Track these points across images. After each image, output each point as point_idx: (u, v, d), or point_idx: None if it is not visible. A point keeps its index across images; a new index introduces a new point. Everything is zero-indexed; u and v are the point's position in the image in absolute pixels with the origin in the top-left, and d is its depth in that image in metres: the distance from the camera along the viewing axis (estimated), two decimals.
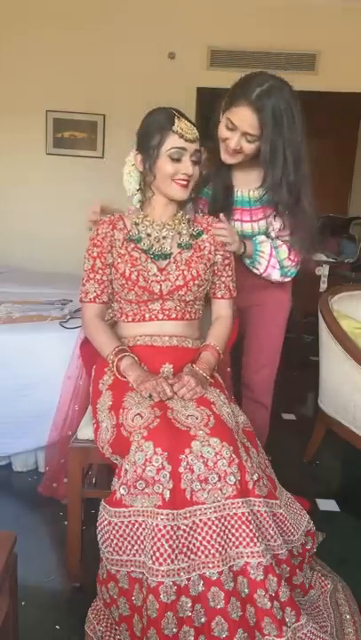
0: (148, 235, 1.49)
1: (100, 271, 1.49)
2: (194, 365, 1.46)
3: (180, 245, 1.50)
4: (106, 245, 1.49)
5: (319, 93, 4.22)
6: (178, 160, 1.41)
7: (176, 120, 1.40)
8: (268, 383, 1.92)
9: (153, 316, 1.50)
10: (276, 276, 1.68)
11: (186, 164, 1.42)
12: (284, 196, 1.53)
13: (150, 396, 1.32)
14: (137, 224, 1.50)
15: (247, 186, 1.64)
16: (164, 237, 1.50)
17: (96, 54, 4.10)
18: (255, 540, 1.18)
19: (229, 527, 1.19)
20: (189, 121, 1.43)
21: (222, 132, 1.52)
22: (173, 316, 1.50)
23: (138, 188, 1.52)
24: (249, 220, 1.66)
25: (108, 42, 4.09)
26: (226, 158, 1.56)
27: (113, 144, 4.11)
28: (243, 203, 1.66)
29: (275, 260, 1.65)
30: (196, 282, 1.49)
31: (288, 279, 1.71)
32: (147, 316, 1.50)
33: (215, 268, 1.55)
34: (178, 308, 1.50)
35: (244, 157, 1.55)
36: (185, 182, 1.44)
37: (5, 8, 4.05)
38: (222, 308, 1.60)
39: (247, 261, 1.69)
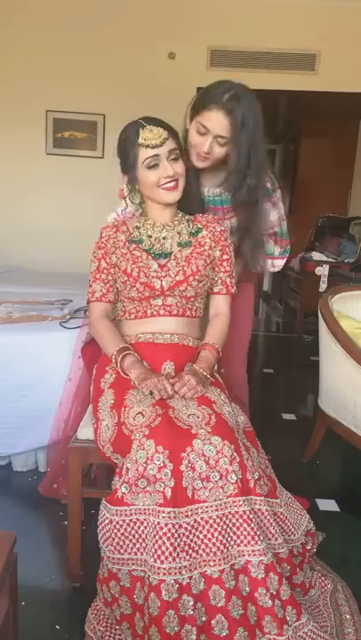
0: (149, 236, 1.53)
1: (105, 271, 1.53)
2: (194, 365, 1.46)
3: (180, 244, 1.54)
4: (110, 247, 1.53)
5: (319, 93, 4.23)
6: (156, 166, 1.44)
7: (140, 131, 1.43)
8: (242, 377, 1.95)
9: (155, 312, 1.52)
10: (278, 267, 1.83)
11: (164, 167, 1.44)
12: (243, 197, 1.58)
13: (151, 393, 1.33)
14: (138, 227, 1.55)
15: (213, 187, 1.69)
16: (164, 238, 1.53)
17: (96, 54, 4.10)
18: (256, 538, 1.18)
19: (231, 525, 1.19)
20: (158, 123, 1.44)
21: (193, 137, 1.55)
22: (175, 312, 1.52)
23: (138, 202, 1.57)
24: (222, 218, 1.70)
25: (108, 42, 4.09)
26: (198, 164, 1.60)
27: (113, 144, 4.09)
28: (214, 202, 1.72)
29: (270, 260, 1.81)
30: (196, 277, 1.51)
31: (286, 257, 1.84)
32: (148, 312, 1.52)
33: (214, 262, 1.57)
34: (179, 304, 1.52)
35: (212, 162, 1.58)
36: (171, 185, 1.46)
37: (5, 8, 4.05)
38: (220, 305, 1.61)
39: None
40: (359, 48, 4.02)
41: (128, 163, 1.48)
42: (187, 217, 1.58)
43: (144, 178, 1.47)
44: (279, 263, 1.83)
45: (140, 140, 1.43)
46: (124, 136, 1.48)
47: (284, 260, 1.83)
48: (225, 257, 1.58)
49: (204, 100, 1.52)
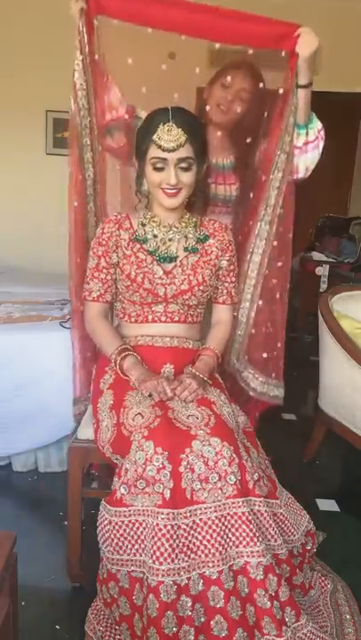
0: (155, 236, 1.48)
1: (105, 270, 1.48)
2: (193, 368, 1.45)
3: (186, 249, 1.49)
4: (111, 245, 1.47)
5: (319, 93, 4.22)
6: (161, 169, 1.38)
7: (160, 126, 1.35)
8: None
9: (156, 319, 1.49)
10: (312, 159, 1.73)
11: (169, 174, 1.37)
12: (251, 166, 1.72)
13: (150, 395, 1.32)
14: (144, 225, 1.49)
15: (217, 155, 1.76)
16: (170, 240, 1.48)
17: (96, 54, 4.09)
18: (255, 539, 1.18)
19: (229, 527, 1.19)
20: (184, 121, 1.37)
21: (217, 92, 1.71)
22: (176, 319, 1.50)
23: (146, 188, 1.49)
24: (223, 183, 1.77)
25: (107, 42, 4.08)
26: (215, 117, 1.70)
27: None
28: (217, 168, 1.77)
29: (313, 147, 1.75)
30: (201, 287, 1.48)
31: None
32: (150, 317, 1.50)
33: (220, 272, 1.54)
34: (181, 311, 1.50)
35: (227, 119, 1.70)
36: (172, 191, 1.40)
37: (5, 7, 4.05)
38: (223, 313, 1.60)
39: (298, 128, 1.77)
40: (359, 48, 4.02)
41: (139, 151, 1.42)
42: (193, 219, 1.52)
43: (148, 174, 1.41)
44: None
45: (155, 137, 1.35)
46: (146, 120, 1.42)
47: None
48: (232, 267, 1.56)
49: (227, 67, 1.73)
